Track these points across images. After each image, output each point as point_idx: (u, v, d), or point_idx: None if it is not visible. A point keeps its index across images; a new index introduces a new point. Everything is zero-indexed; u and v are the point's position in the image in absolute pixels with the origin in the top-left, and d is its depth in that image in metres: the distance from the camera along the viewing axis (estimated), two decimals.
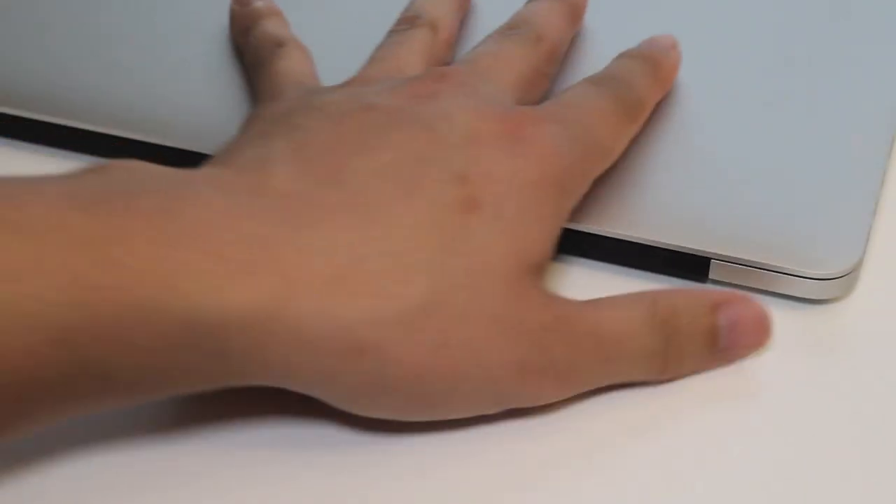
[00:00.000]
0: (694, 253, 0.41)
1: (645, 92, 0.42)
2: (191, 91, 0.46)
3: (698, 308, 0.38)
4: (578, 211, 0.40)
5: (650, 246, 0.41)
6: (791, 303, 0.40)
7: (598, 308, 0.37)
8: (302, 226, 0.35)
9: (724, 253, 0.40)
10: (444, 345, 0.35)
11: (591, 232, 0.41)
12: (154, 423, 0.37)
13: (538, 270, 0.37)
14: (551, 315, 0.36)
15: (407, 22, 0.45)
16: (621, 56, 0.44)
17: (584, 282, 0.41)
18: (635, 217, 0.41)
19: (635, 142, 0.43)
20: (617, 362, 0.37)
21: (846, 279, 0.40)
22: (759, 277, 0.40)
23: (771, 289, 0.40)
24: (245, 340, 0.33)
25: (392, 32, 0.45)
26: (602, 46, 0.46)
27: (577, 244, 0.41)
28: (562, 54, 0.45)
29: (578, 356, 0.37)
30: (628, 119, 0.41)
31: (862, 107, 0.44)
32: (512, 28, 0.44)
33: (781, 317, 0.40)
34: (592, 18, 0.48)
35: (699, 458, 0.37)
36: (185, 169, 0.36)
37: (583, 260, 0.42)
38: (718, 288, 0.41)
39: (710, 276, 0.41)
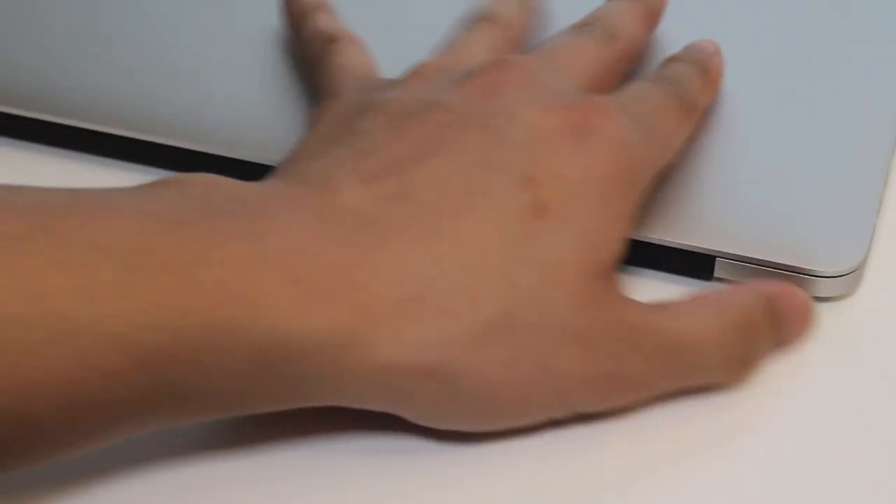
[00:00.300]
0: (699, 251, 0.41)
1: (698, 93, 0.42)
2: (191, 91, 0.46)
3: (762, 305, 0.38)
4: None
5: (655, 245, 0.41)
6: None
7: (670, 316, 0.37)
8: (372, 247, 0.35)
9: (729, 251, 0.40)
10: (514, 359, 0.35)
11: None
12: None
13: (609, 274, 0.37)
14: (623, 324, 0.36)
15: (475, 20, 0.44)
16: (671, 60, 0.43)
17: None
18: (640, 216, 0.41)
19: None
20: (692, 371, 0.37)
21: (851, 277, 0.40)
22: (764, 275, 0.40)
23: None
24: (320, 366, 0.34)
25: (460, 29, 0.44)
26: None
27: None
28: (636, 54, 0.44)
29: (652, 367, 0.37)
30: (687, 117, 0.41)
31: (864, 105, 0.44)
32: (586, 25, 0.43)
33: None
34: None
35: (700, 457, 0.37)
36: (256, 184, 0.37)
37: None
38: (724, 285, 0.41)
39: (716, 274, 0.41)
